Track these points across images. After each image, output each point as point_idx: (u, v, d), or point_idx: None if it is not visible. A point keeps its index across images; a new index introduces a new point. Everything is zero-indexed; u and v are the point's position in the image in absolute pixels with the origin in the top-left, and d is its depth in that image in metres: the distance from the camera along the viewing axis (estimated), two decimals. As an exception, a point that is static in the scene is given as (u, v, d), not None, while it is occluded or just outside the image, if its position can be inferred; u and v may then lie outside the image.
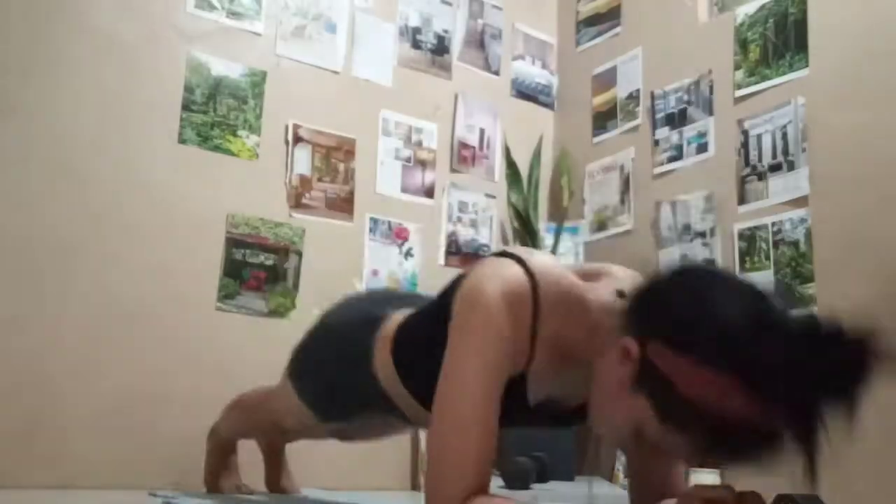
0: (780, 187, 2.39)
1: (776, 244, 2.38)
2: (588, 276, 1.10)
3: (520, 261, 1.04)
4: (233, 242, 2.41)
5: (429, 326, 1.09)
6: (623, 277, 1.09)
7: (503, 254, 1.08)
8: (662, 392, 0.86)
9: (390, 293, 1.54)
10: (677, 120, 2.76)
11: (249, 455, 2.05)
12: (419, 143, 2.87)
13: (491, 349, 0.99)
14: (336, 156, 2.66)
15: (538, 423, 1.24)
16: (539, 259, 1.07)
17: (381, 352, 1.32)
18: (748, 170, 2.49)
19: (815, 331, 0.83)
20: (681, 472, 1.21)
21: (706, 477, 2.32)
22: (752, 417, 0.82)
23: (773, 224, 2.39)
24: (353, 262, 2.64)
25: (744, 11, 2.58)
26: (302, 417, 1.58)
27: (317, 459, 2.33)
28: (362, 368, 1.35)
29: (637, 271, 1.10)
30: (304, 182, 2.58)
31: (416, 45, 2.94)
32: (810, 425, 0.84)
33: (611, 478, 2.55)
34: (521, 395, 1.09)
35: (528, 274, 1.02)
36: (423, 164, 2.87)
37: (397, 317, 1.34)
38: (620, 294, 1.00)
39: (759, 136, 2.47)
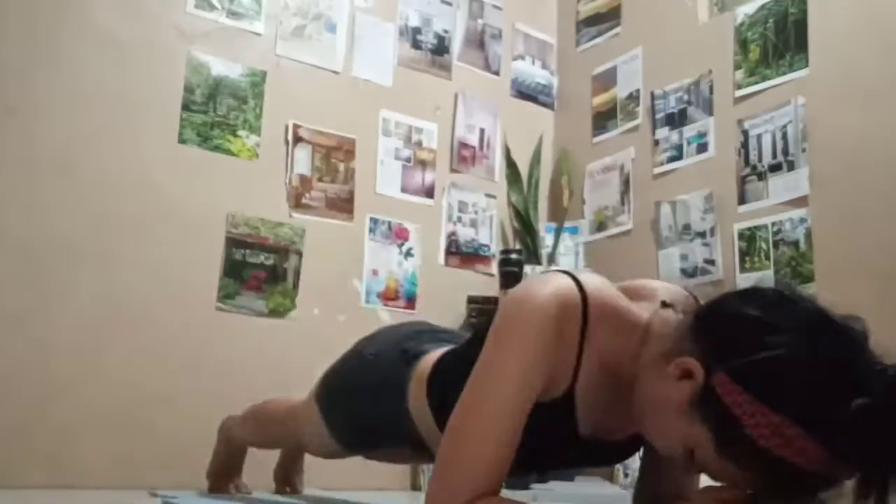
0: (780, 187, 2.39)
1: (776, 244, 2.37)
2: (633, 294, 1.05)
3: (569, 275, 0.99)
4: (233, 242, 2.41)
5: (465, 362, 0.99)
6: (665, 290, 1.05)
7: (549, 271, 1.05)
8: (724, 424, 0.81)
9: (425, 326, 1.51)
10: (677, 120, 2.76)
11: (250, 455, 2.05)
12: (419, 143, 2.87)
13: (532, 350, 0.92)
14: (336, 156, 2.66)
15: (586, 459, 1.17)
16: (589, 275, 1.01)
17: (416, 389, 1.28)
18: (748, 170, 2.49)
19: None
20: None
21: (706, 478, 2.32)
22: (820, 467, 0.78)
23: (773, 224, 2.39)
24: (353, 262, 2.64)
25: (744, 11, 2.58)
26: (324, 442, 1.55)
27: (317, 459, 2.33)
28: (395, 405, 1.30)
29: (679, 287, 1.08)
30: (304, 182, 2.58)
31: (416, 45, 2.94)
32: (882, 487, 0.76)
33: (611, 478, 2.55)
34: (570, 421, 1.02)
35: (579, 286, 0.97)
36: (423, 164, 2.87)
37: (434, 354, 1.29)
38: (665, 304, 0.98)
39: (759, 136, 2.47)
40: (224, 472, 1.91)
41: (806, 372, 0.79)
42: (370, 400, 1.38)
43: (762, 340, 0.81)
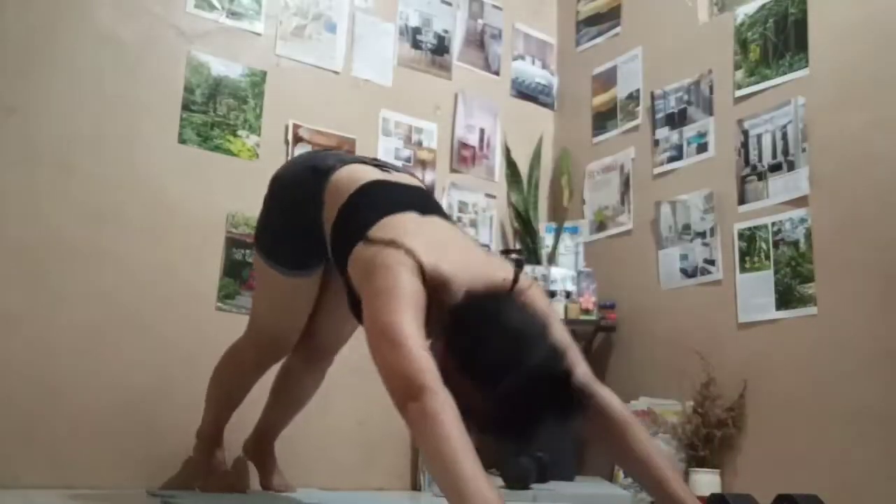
0: (780, 187, 2.39)
1: (776, 244, 2.37)
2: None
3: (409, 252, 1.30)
4: (233, 242, 2.41)
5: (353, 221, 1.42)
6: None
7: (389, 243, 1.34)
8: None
9: (336, 152, 1.85)
10: (677, 120, 2.76)
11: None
12: (419, 143, 2.87)
13: (399, 282, 1.24)
14: (336, 156, 2.66)
15: None
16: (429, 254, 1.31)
17: (329, 203, 1.54)
18: (748, 170, 2.49)
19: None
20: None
21: (707, 478, 2.33)
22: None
23: (773, 224, 2.39)
24: (353, 262, 2.64)
25: (744, 11, 2.58)
26: (272, 287, 1.76)
27: (317, 459, 2.34)
28: (311, 210, 1.56)
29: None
30: (304, 182, 2.58)
31: (416, 45, 2.94)
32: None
33: (611, 478, 2.55)
34: None
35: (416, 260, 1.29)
36: (423, 164, 2.87)
37: (344, 174, 1.57)
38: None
39: (759, 136, 2.47)
40: (209, 472, 1.93)
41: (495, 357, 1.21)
42: (289, 211, 1.66)
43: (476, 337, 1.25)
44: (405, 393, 1.12)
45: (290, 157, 2.56)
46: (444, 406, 1.09)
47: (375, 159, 1.74)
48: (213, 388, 1.93)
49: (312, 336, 1.86)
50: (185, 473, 1.95)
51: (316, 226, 1.57)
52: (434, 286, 1.26)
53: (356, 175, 1.55)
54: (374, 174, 1.57)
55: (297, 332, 1.83)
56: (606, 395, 1.38)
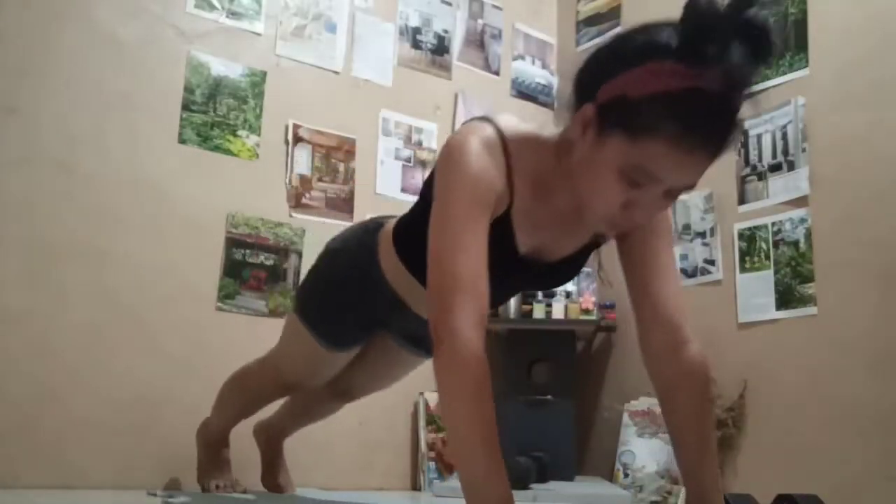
0: (780, 187, 2.39)
1: (776, 244, 2.38)
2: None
3: (488, 120, 1.15)
4: (233, 242, 2.42)
5: (423, 208, 1.18)
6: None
7: (473, 119, 1.18)
8: (623, 111, 0.96)
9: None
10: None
11: (246, 454, 2.05)
12: (419, 143, 2.87)
13: (471, 182, 1.07)
14: (336, 156, 2.66)
15: (530, 279, 1.32)
16: (505, 117, 1.17)
17: (384, 249, 1.41)
18: (748, 170, 2.49)
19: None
20: (681, 304, 1.28)
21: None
22: (692, 83, 0.92)
23: (773, 224, 2.39)
24: (353, 262, 2.64)
25: (744, 11, 2.58)
26: (307, 349, 1.61)
27: (317, 459, 2.34)
28: (369, 271, 1.43)
29: None
30: (304, 182, 2.58)
31: (416, 45, 2.94)
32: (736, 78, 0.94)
33: (611, 478, 2.56)
34: (510, 241, 1.17)
35: (495, 127, 1.13)
36: (423, 164, 2.87)
37: (394, 220, 1.45)
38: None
39: (759, 136, 2.47)
40: (213, 471, 1.93)
41: (639, 33, 1.02)
42: (346, 279, 1.51)
43: (599, 50, 1.05)
44: (435, 325, 1.02)
45: (290, 158, 2.57)
46: (468, 363, 0.98)
47: None
48: (230, 394, 1.87)
49: (345, 380, 1.78)
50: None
51: (373, 281, 1.45)
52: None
53: (394, 220, 1.46)
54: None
55: (326, 381, 1.75)
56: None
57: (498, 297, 1.30)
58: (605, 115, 0.99)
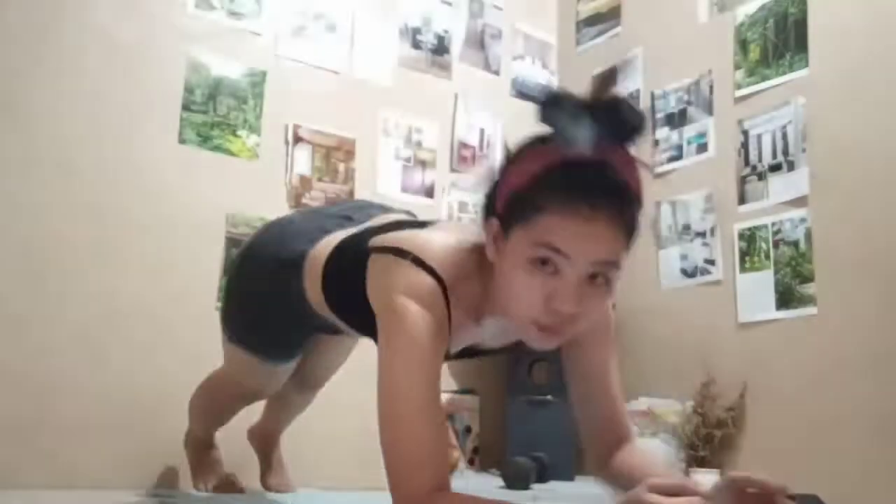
0: (780, 187, 2.39)
1: (776, 244, 2.38)
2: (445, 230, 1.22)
3: (420, 263, 1.10)
4: (233, 242, 2.41)
5: (353, 272, 1.18)
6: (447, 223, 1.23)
7: (401, 251, 1.12)
8: (515, 204, 0.99)
9: (286, 220, 1.58)
10: (677, 120, 2.76)
11: (247, 454, 2.05)
12: (419, 143, 2.87)
13: (420, 342, 1.04)
14: (336, 156, 2.66)
15: (463, 361, 1.34)
16: (433, 243, 1.13)
17: (312, 289, 1.35)
18: (748, 170, 2.49)
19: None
20: (623, 408, 1.29)
21: (706, 477, 2.32)
22: (558, 155, 0.95)
23: (773, 224, 2.39)
24: (353, 262, 2.64)
25: (744, 11, 2.58)
26: (252, 369, 1.61)
27: (316, 459, 2.33)
28: (298, 306, 1.38)
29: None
30: (304, 182, 2.58)
31: (416, 45, 2.94)
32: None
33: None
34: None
35: (431, 273, 1.09)
36: (423, 164, 2.87)
37: (318, 251, 1.35)
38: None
39: (759, 136, 2.47)
40: (204, 473, 1.93)
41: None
42: (278, 312, 1.46)
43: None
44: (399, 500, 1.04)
45: (290, 158, 2.56)
46: None
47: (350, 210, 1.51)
48: (199, 406, 1.87)
49: (304, 374, 1.78)
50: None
51: (301, 310, 1.39)
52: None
53: (327, 246, 1.35)
54: (342, 235, 1.36)
55: (284, 382, 1.73)
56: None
57: None
58: (506, 219, 1.01)
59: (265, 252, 1.48)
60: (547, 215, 0.95)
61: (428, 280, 1.08)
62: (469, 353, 1.29)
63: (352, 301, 1.18)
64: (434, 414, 1.03)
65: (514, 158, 1.03)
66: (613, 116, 0.94)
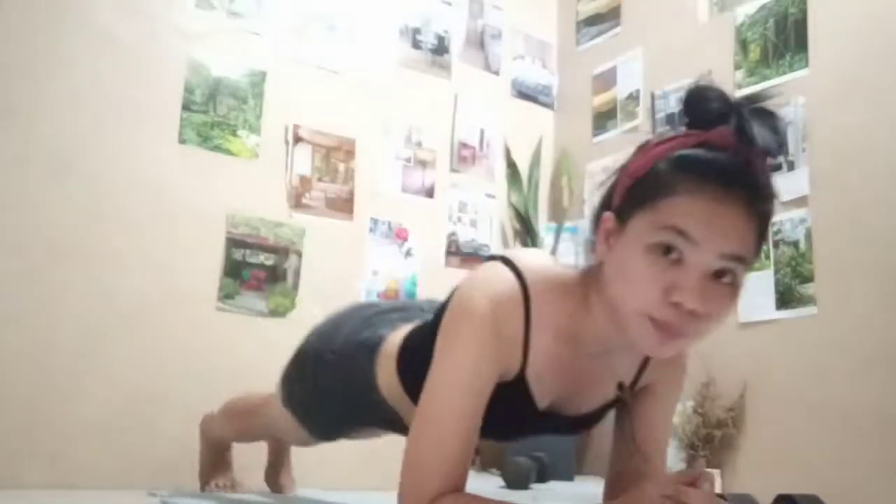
0: (780, 187, 2.38)
1: (776, 244, 2.37)
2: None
3: (509, 262, 1.03)
4: (233, 242, 2.41)
5: (429, 340, 1.06)
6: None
7: (494, 257, 1.07)
8: (637, 191, 0.93)
9: (371, 310, 1.50)
10: (677, 120, 2.75)
11: (247, 454, 2.05)
12: (419, 143, 2.87)
13: (473, 355, 0.97)
14: (336, 156, 2.66)
15: (548, 430, 1.20)
16: (527, 259, 1.05)
17: (384, 371, 1.29)
18: (748, 170, 2.49)
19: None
20: (659, 464, 1.20)
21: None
22: (700, 138, 0.92)
23: (773, 224, 2.39)
24: (353, 262, 2.64)
25: (744, 11, 2.58)
26: (301, 436, 1.62)
27: (317, 459, 2.33)
28: (365, 393, 1.32)
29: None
30: (304, 182, 2.58)
31: (416, 45, 2.94)
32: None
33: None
34: (527, 398, 1.07)
35: (517, 273, 1.01)
36: (423, 164, 2.87)
37: (396, 335, 1.31)
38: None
39: (759, 136, 2.47)
40: (214, 471, 1.92)
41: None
42: (341, 398, 1.41)
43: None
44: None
45: (290, 158, 2.56)
46: None
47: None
48: (237, 421, 1.84)
49: None
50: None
51: (369, 403, 1.34)
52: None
53: (406, 329, 1.31)
54: (419, 323, 1.30)
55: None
56: None
57: (516, 438, 1.29)
58: (623, 209, 0.94)
59: (341, 332, 1.43)
60: (677, 196, 0.87)
61: (508, 280, 1.00)
62: (557, 420, 1.15)
63: (425, 369, 1.04)
64: (465, 435, 0.97)
65: (637, 153, 0.97)
66: (769, 123, 0.89)
